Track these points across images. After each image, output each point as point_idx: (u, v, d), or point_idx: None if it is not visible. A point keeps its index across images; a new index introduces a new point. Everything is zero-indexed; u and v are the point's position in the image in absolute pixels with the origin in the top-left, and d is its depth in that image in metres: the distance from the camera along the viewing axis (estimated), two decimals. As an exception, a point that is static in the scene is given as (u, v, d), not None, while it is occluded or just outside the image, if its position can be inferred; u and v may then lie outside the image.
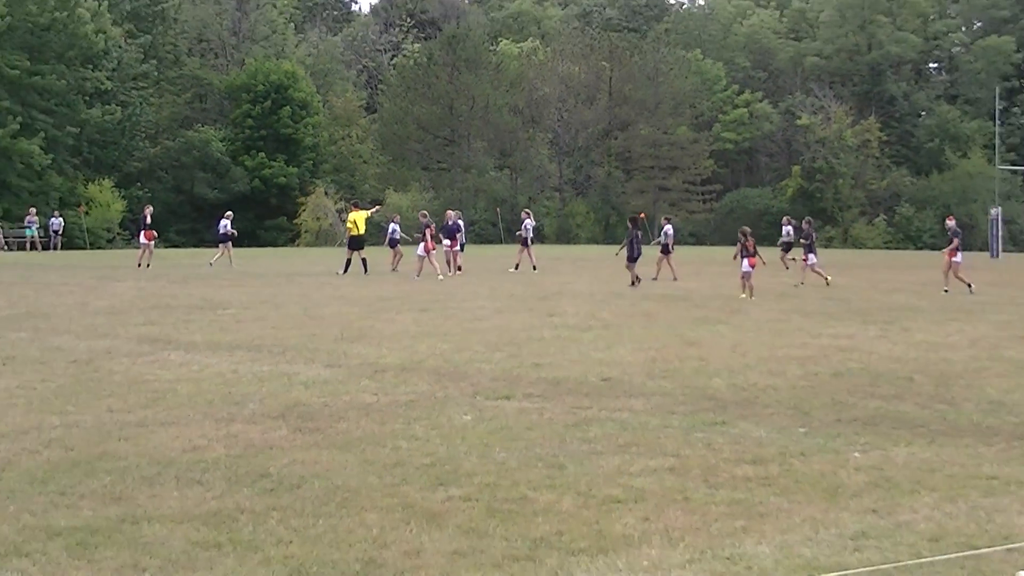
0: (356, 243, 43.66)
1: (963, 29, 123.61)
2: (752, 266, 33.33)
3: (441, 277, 40.01)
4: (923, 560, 8.05)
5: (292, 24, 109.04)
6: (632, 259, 37.12)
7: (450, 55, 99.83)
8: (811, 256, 39.03)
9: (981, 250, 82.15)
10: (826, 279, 38.18)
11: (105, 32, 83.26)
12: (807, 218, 42.75)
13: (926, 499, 9.82)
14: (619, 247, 38.90)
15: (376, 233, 79.06)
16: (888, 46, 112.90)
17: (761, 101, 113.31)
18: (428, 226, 42.46)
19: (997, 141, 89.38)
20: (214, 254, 49.57)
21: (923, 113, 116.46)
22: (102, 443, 11.76)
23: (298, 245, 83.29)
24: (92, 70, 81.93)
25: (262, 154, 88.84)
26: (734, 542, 8.52)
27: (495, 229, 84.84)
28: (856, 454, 11.51)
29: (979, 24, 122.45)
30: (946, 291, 35.44)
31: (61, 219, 69.03)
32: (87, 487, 9.99)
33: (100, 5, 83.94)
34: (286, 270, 46.35)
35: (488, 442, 11.96)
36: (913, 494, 9.97)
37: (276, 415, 13.41)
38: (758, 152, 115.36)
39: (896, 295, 34.79)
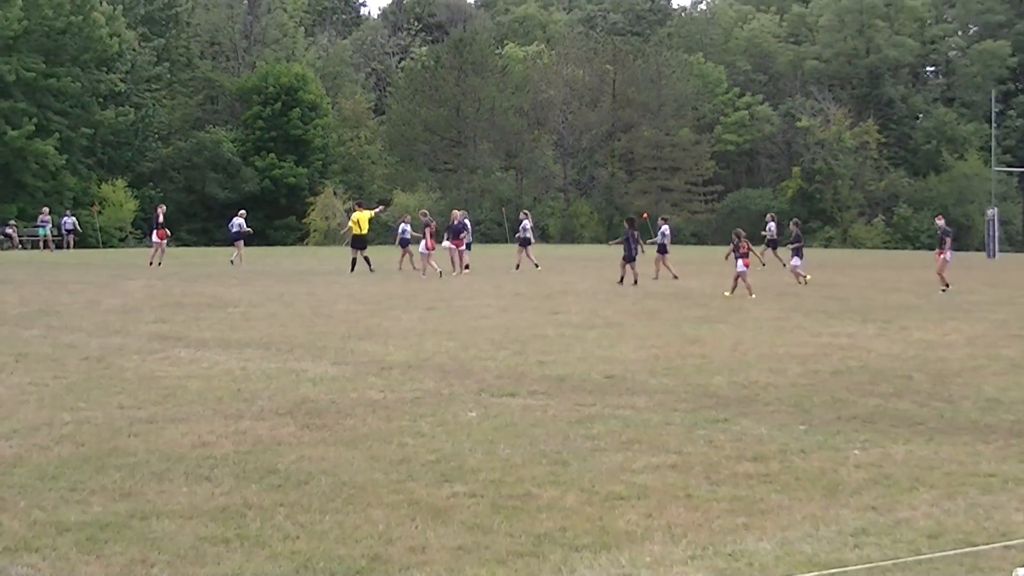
0: (359, 242, 43.79)
1: (959, 33, 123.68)
2: (747, 266, 33.67)
3: (440, 272, 40.04)
4: (922, 557, 8.09)
5: (302, 28, 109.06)
6: (628, 259, 37.24)
7: (457, 58, 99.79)
8: (795, 259, 39.09)
9: (978, 250, 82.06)
10: (805, 278, 38.10)
11: (119, 35, 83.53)
12: (795, 219, 42.69)
13: (925, 496, 9.87)
14: (612, 241, 38.90)
15: (383, 233, 79.21)
16: (886, 50, 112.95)
17: (761, 104, 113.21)
18: (428, 224, 42.53)
19: (993, 143, 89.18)
20: (232, 253, 49.54)
21: (920, 116, 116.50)
22: (112, 439, 11.84)
23: (307, 244, 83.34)
24: (106, 72, 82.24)
25: (272, 155, 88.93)
26: (735, 538, 8.57)
27: (500, 229, 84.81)
28: (856, 451, 11.57)
29: (975, 28, 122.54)
30: (944, 290, 35.43)
31: (74, 218, 69.11)
32: (97, 483, 10.05)
33: (115, 9, 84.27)
34: (295, 269, 46.38)
35: (493, 439, 12.03)
36: (912, 491, 10.03)
37: (284, 412, 13.49)
38: (759, 154, 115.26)
39: (894, 294, 34.79)
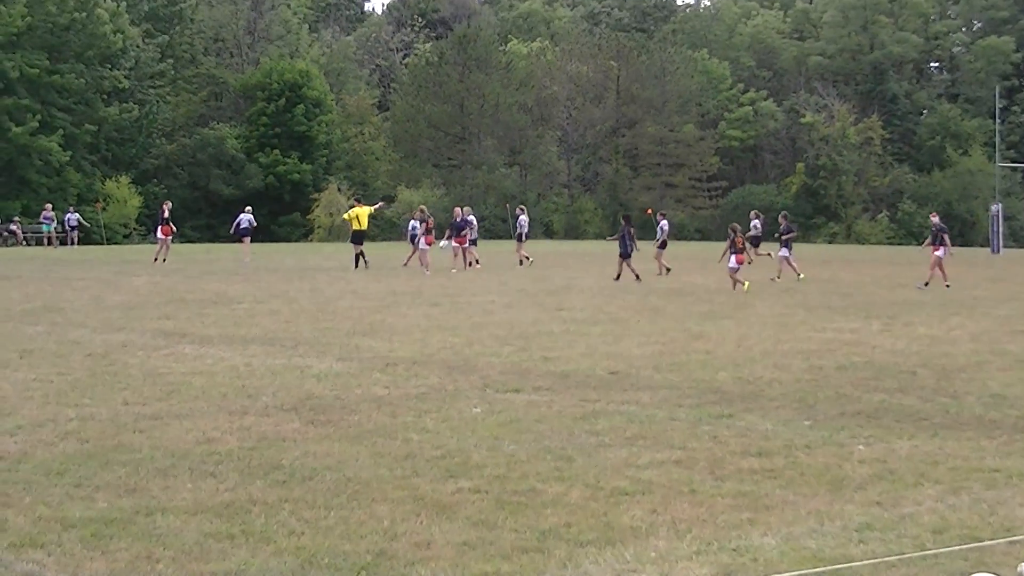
0: (358, 238, 43.92)
1: (963, 29, 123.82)
2: (740, 263, 33.87)
3: (427, 273, 40.09)
4: (927, 552, 8.09)
5: (306, 24, 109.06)
6: (625, 255, 37.33)
7: (461, 54, 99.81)
8: (783, 250, 39.11)
9: (982, 246, 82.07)
10: (776, 277, 38.13)
11: (123, 32, 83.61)
12: (783, 212, 42.69)
13: (929, 491, 9.87)
14: (610, 237, 39.02)
15: (388, 229, 79.26)
16: (890, 46, 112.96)
17: (766, 100, 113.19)
18: (424, 220, 42.64)
19: (997, 139, 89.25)
20: (245, 252, 49.60)
21: (924, 111, 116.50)
22: (117, 435, 11.86)
23: (311, 240, 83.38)
24: (110, 69, 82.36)
25: (276, 151, 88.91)
26: (740, 534, 8.58)
27: (504, 225, 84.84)
28: (860, 447, 11.58)
29: (979, 24, 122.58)
30: (948, 285, 35.48)
31: (78, 215, 69.20)
32: (102, 479, 10.07)
33: (118, 6, 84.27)
34: (299, 265, 46.41)
35: (498, 434, 12.04)
36: (916, 486, 10.03)
37: (289, 408, 13.50)
38: (763, 149, 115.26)
39: (899, 290, 34.80)
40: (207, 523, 8.76)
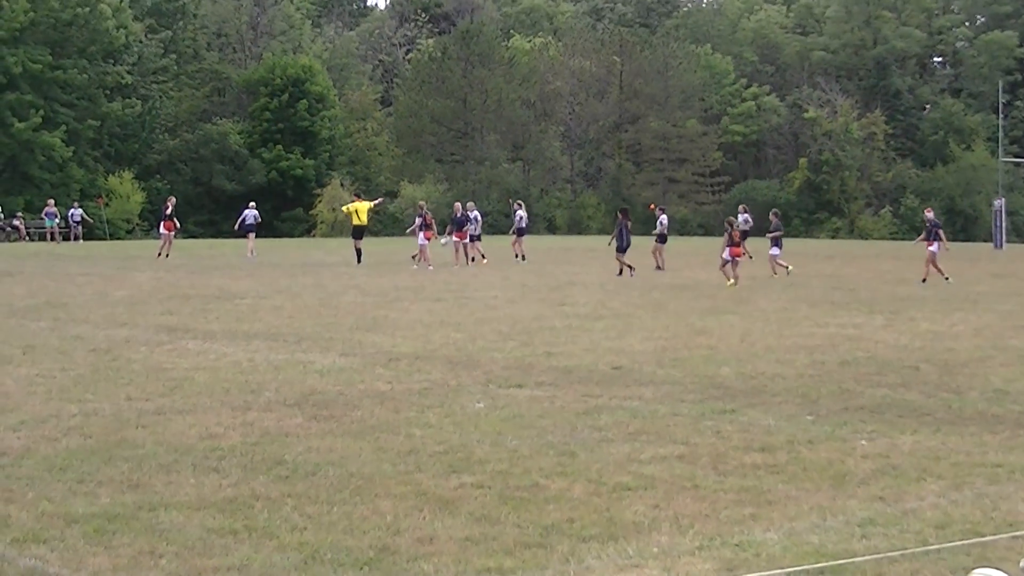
0: (358, 232, 44.00)
1: (966, 24, 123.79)
2: (734, 255, 34.20)
3: (418, 267, 40.09)
4: (929, 547, 8.09)
5: (309, 19, 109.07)
6: (621, 249, 37.46)
7: (464, 50, 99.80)
8: (774, 248, 39.15)
9: (985, 241, 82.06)
10: (787, 269, 38.18)
11: (126, 27, 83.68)
12: (774, 210, 42.71)
13: (932, 487, 9.87)
14: (611, 238, 39.12)
15: (391, 224, 79.21)
16: (893, 41, 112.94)
17: (768, 95, 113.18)
18: (423, 215, 42.72)
19: (1000, 134, 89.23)
20: (248, 246, 49.63)
21: (928, 106, 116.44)
22: (120, 431, 11.87)
23: (314, 236, 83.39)
24: (113, 64, 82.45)
25: (279, 147, 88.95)
26: (743, 529, 8.57)
27: (507, 220, 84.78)
28: (863, 442, 11.58)
29: (982, 19, 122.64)
30: (948, 279, 35.48)
31: (81, 210, 69.32)
32: (105, 474, 10.07)
33: (121, 1, 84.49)
34: (302, 261, 46.43)
35: (500, 430, 12.05)
36: (919, 482, 10.03)
37: (292, 403, 13.51)
38: (766, 144, 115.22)
39: (901, 285, 34.80)
40: (210, 519, 8.76)
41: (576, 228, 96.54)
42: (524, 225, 48.33)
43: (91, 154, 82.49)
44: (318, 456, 10.79)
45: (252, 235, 50.29)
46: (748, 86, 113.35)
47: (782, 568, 7.61)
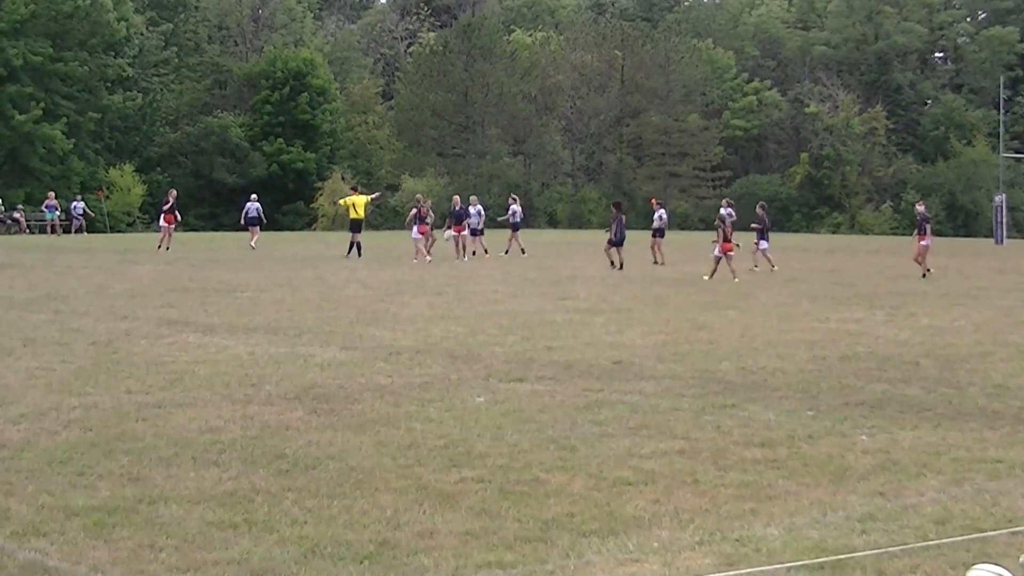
0: (356, 226, 44.09)
1: (968, 19, 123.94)
2: (725, 251, 34.50)
3: (416, 262, 40.15)
4: (929, 542, 8.09)
5: (310, 13, 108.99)
6: (614, 243, 37.57)
7: (465, 43, 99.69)
8: (762, 242, 39.17)
9: (986, 237, 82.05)
10: (772, 266, 38.18)
11: (127, 20, 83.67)
12: (761, 203, 42.71)
13: (932, 482, 9.88)
14: (607, 231, 39.22)
15: (392, 218, 79.13)
16: (894, 36, 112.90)
17: (770, 89, 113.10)
18: (419, 208, 42.78)
19: (1001, 129, 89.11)
20: (251, 239, 49.67)
21: (929, 102, 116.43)
22: (120, 424, 11.87)
23: (315, 229, 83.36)
24: (114, 57, 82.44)
25: (280, 140, 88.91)
26: (743, 524, 8.58)
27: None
28: (863, 437, 11.58)
29: (983, 15, 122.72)
30: (927, 273, 35.57)
31: (83, 203, 69.35)
32: (105, 467, 10.08)
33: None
34: (303, 254, 46.44)
35: (501, 424, 12.05)
36: (919, 477, 10.04)
37: (292, 397, 13.52)
38: (767, 139, 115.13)
39: (902, 281, 34.78)
40: (210, 512, 8.76)
41: (577, 222, 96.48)
42: (518, 220, 48.37)
43: (92, 147, 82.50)
44: (318, 450, 10.80)
45: (253, 228, 50.35)
46: (749, 81, 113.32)
47: (782, 563, 7.62)
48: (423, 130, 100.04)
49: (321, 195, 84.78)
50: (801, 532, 8.37)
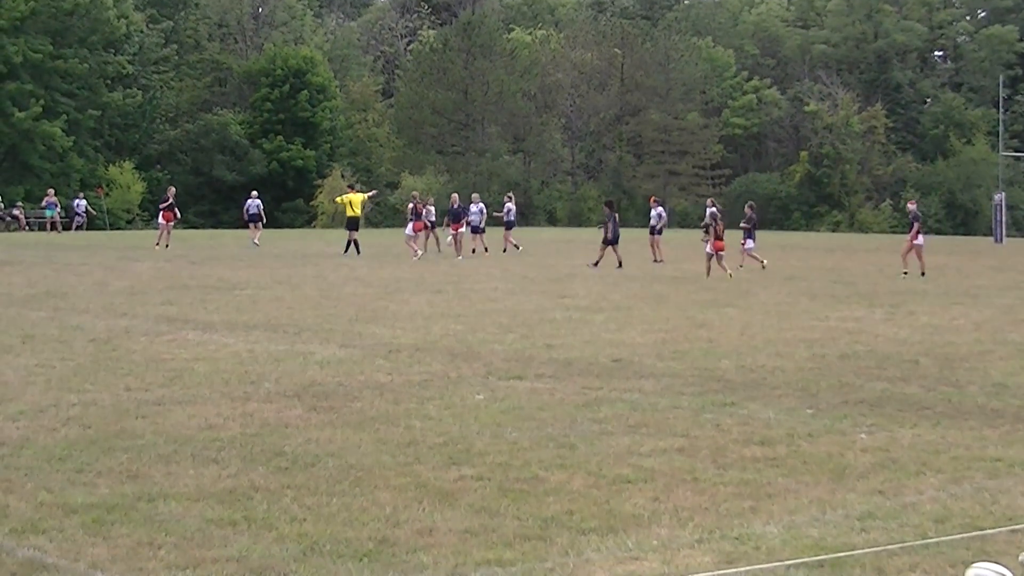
0: (352, 224, 44.16)
1: (967, 18, 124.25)
2: (717, 249, 34.78)
3: (415, 260, 40.21)
4: (928, 541, 8.09)
5: (310, 10, 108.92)
6: (607, 241, 37.62)
7: (465, 41, 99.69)
8: (748, 241, 39.14)
9: (985, 235, 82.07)
10: (762, 263, 38.13)
11: (127, 17, 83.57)
12: (749, 202, 42.72)
13: (931, 480, 9.88)
14: (599, 227, 39.21)
15: (392, 216, 79.09)
16: (894, 34, 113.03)
17: (770, 88, 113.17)
18: (414, 205, 42.84)
19: (1001, 128, 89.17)
20: (253, 236, 49.71)
21: (928, 100, 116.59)
22: (119, 421, 11.87)
23: (315, 227, 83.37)
24: (114, 54, 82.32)
25: (280, 137, 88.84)
26: (742, 522, 8.58)
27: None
28: (862, 435, 11.58)
29: (983, 14, 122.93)
30: (905, 274, 35.51)
31: (85, 201, 69.35)
32: (104, 465, 10.07)
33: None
34: (302, 251, 46.45)
35: (500, 422, 12.05)
36: (919, 475, 10.03)
37: (291, 394, 13.52)
38: (766, 138, 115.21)
39: (901, 279, 34.77)
40: (209, 509, 8.76)
41: (577, 220, 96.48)
42: (512, 218, 48.48)
43: (91, 144, 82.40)
44: (317, 447, 10.80)
45: (254, 225, 50.39)
46: (749, 79, 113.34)
47: (781, 561, 7.62)
48: (423, 128, 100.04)
49: (321, 193, 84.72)
50: (800, 530, 8.37)
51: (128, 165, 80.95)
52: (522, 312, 23.15)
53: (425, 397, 13.45)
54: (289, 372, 15.15)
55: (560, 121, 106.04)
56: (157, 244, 46.20)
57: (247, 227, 51.93)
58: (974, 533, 8.30)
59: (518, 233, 49.76)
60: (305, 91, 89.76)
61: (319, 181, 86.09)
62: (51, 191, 68.47)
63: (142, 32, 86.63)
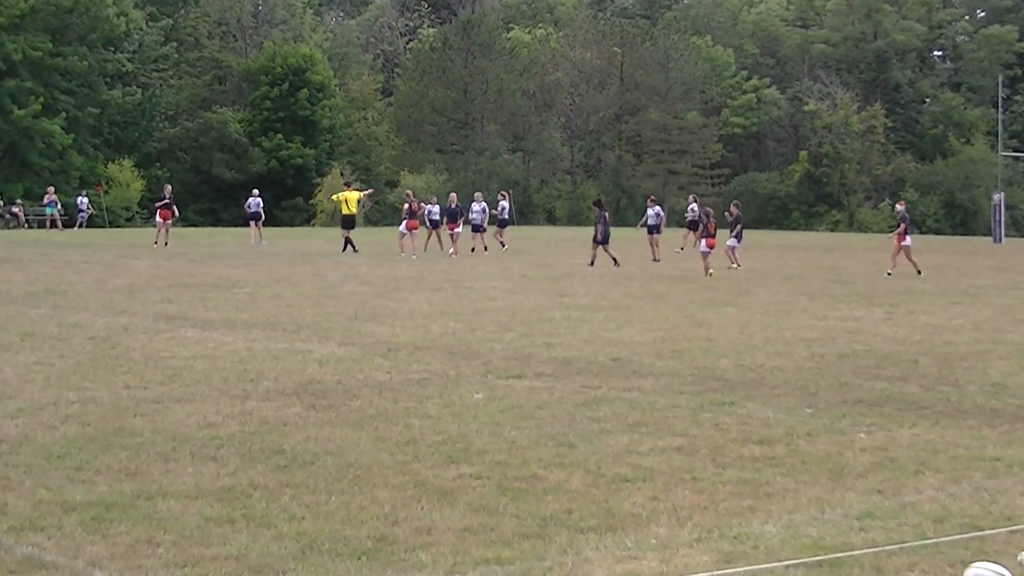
0: (348, 222, 44.19)
1: (967, 18, 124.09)
2: (711, 247, 34.72)
3: (415, 258, 40.24)
4: (927, 540, 8.09)
5: (310, 8, 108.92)
6: (598, 240, 37.64)
7: (465, 40, 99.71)
8: (731, 239, 39.11)
9: (984, 235, 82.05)
10: (737, 265, 37.98)
11: (127, 15, 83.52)
12: (735, 201, 42.74)
13: (930, 480, 9.88)
14: (595, 231, 39.16)
15: (391, 214, 79.09)
16: (893, 34, 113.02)
17: (769, 87, 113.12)
18: (409, 204, 42.90)
19: (1000, 128, 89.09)
20: (252, 236, 49.74)
21: (927, 100, 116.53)
22: (118, 419, 11.87)
23: (314, 225, 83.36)
24: (114, 52, 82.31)
25: (279, 136, 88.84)
26: (741, 521, 8.58)
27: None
28: (861, 435, 11.59)
29: (982, 13, 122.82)
30: (889, 274, 35.48)
31: (87, 199, 69.34)
32: (103, 462, 10.07)
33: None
34: (302, 250, 46.43)
35: (499, 420, 12.05)
36: (917, 475, 10.04)
37: (290, 392, 13.51)
38: (766, 137, 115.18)
39: (900, 279, 34.72)
40: (208, 507, 8.76)
41: (576, 219, 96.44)
42: (506, 216, 48.55)
43: (91, 141, 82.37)
44: (316, 446, 10.80)
45: (254, 223, 50.41)
46: (748, 78, 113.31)
47: (780, 560, 7.62)
48: (422, 126, 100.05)
49: (320, 191, 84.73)
50: (799, 530, 8.37)
51: (127, 163, 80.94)
52: (521, 311, 23.14)
53: (424, 395, 13.45)
54: (288, 370, 15.14)
55: (559, 120, 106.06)
56: (155, 243, 46.09)
57: (247, 225, 51.90)
58: (973, 533, 8.30)
59: (514, 232, 49.80)
60: (305, 89, 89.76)
61: (318, 179, 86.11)
62: (51, 189, 68.42)
63: (142, 30, 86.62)
